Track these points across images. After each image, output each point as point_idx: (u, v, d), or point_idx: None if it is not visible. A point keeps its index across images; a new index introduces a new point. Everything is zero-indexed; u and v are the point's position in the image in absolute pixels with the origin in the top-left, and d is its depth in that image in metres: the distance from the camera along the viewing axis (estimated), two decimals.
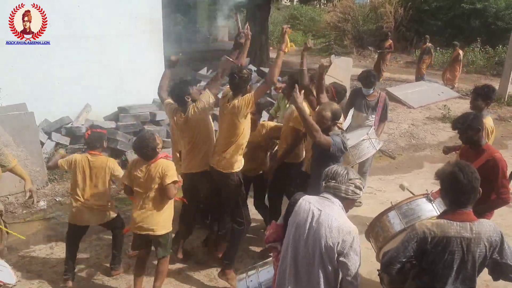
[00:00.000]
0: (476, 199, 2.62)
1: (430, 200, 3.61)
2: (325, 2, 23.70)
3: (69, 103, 7.52)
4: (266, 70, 12.99)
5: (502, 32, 17.93)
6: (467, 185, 2.55)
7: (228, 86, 4.21)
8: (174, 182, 3.88)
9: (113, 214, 4.40)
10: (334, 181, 2.75)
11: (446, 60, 17.73)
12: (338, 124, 4.06)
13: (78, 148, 7.08)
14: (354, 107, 6.05)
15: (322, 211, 2.67)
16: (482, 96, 4.62)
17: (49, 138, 7.16)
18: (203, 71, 10.97)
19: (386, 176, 7.44)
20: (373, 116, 5.85)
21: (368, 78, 5.79)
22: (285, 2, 30.84)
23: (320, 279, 2.65)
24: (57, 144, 7.13)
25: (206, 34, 19.73)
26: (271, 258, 3.49)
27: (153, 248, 4.12)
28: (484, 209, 3.77)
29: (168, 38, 9.87)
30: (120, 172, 4.28)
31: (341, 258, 2.61)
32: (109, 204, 4.38)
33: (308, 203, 2.76)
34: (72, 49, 7.46)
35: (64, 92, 7.48)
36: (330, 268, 2.64)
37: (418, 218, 3.51)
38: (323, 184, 2.81)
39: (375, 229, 3.77)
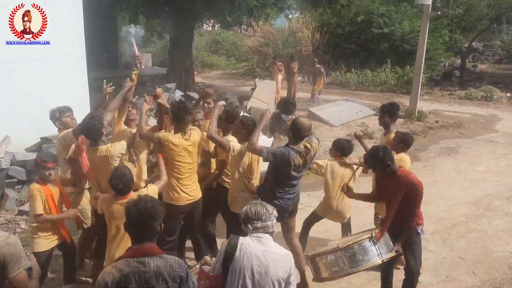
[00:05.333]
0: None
1: (374, 243, 3.88)
2: (245, 27, 24.35)
3: None
4: (192, 94, 13.10)
5: (408, 54, 19.69)
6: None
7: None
8: None
9: None
10: (259, 221, 2.82)
11: (361, 81, 19.04)
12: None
13: None
14: (276, 130, 6.16)
15: (264, 251, 2.76)
16: (388, 113, 5.06)
17: None
18: None
19: (314, 192, 7.75)
20: None
21: (286, 106, 5.95)
22: (207, 28, 31.27)
23: None
24: None
25: (129, 60, 19.46)
26: None
27: None
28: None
29: (92, 63, 9.64)
30: None
31: (290, 287, 2.78)
32: None
33: (248, 246, 2.77)
34: None
35: None
36: None
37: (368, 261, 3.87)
38: (249, 227, 2.83)
39: (323, 260, 4.01)
